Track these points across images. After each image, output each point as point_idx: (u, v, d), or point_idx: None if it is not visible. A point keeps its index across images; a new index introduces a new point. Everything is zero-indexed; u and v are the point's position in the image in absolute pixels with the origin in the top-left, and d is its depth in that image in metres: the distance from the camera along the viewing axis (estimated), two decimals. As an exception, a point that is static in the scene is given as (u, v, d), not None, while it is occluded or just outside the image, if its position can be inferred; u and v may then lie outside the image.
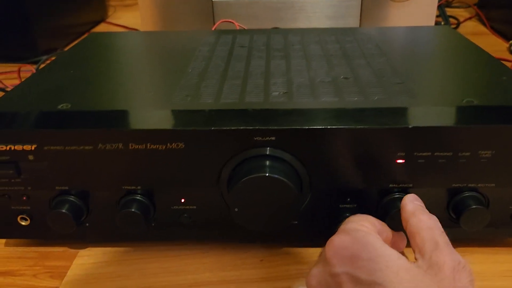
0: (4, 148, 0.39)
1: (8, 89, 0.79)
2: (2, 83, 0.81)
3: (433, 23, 0.88)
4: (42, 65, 0.86)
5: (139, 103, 0.44)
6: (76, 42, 1.08)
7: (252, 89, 0.46)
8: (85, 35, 1.13)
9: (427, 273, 0.30)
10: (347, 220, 0.37)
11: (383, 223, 0.38)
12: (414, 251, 0.34)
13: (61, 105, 0.43)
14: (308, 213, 0.42)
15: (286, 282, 0.42)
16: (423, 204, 0.37)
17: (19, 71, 0.78)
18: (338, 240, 0.33)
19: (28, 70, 0.81)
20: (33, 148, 0.39)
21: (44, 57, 0.89)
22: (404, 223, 0.36)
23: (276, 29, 0.80)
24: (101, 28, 1.24)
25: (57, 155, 0.39)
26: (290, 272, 0.43)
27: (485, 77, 0.49)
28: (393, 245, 0.37)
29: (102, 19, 1.28)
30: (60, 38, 1.05)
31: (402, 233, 0.38)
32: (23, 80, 0.78)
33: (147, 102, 0.44)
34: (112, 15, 1.34)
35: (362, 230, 0.34)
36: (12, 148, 0.39)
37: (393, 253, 0.31)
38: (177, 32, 0.69)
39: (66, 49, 1.02)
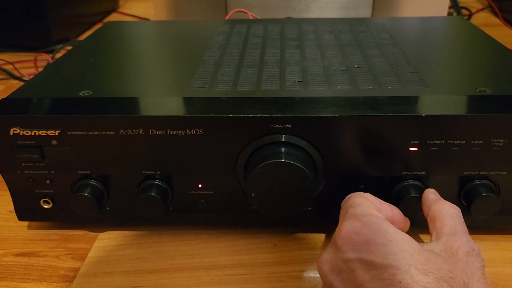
0: (29, 133, 0.40)
1: (25, 78, 0.81)
2: (19, 72, 0.82)
3: (445, 14, 0.88)
4: (57, 54, 0.87)
5: (158, 91, 0.45)
6: (88, 32, 1.09)
7: (268, 78, 0.46)
8: (97, 25, 1.15)
9: (440, 256, 0.31)
10: (351, 202, 0.36)
11: (382, 201, 0.37)
12: (431, 234, 0.35)
13: (82, 92, 0.44)
14: (322, 199, 0.43)
15: (299, 266, 0.43)
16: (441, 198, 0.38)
17: (35, 60, 0.79)
18: (349, 226, 0.32)
19: (44, 59, 0.83)
20: (56, 133, 0.40)
21: (59, 46, 0.90)
22: (425, 210, 0.38)
23: (289, 19, 0.80)
24: (113, 18, 1.25)
25: (80, 140, 0.41)
26: (303, 257, 0.44)
27: (498, 67, 0.49)
28: (395, 224, 0.36)
29: (113, 9, 1.29)
30: (73, 28, 1.06)
31: (401, 213, 0.38)
32: (39, 68, 0.79)
33: (166, 90, 0.45)
34: (123, 5, 1.35)
35: (373, 215, 0.33)
36: (37, 133, 0.40)
37: (406, 237, 0.31)
38: (191, 21, 0.70)
39: (78, 38, 1.04)
